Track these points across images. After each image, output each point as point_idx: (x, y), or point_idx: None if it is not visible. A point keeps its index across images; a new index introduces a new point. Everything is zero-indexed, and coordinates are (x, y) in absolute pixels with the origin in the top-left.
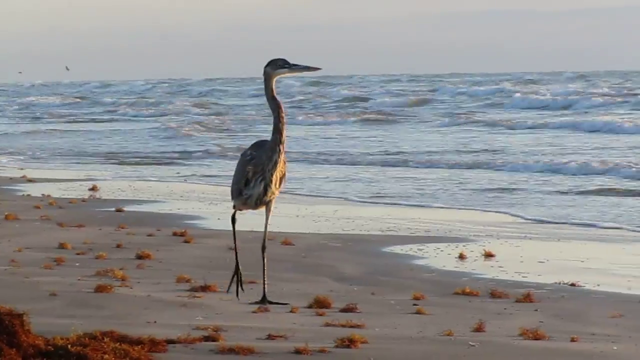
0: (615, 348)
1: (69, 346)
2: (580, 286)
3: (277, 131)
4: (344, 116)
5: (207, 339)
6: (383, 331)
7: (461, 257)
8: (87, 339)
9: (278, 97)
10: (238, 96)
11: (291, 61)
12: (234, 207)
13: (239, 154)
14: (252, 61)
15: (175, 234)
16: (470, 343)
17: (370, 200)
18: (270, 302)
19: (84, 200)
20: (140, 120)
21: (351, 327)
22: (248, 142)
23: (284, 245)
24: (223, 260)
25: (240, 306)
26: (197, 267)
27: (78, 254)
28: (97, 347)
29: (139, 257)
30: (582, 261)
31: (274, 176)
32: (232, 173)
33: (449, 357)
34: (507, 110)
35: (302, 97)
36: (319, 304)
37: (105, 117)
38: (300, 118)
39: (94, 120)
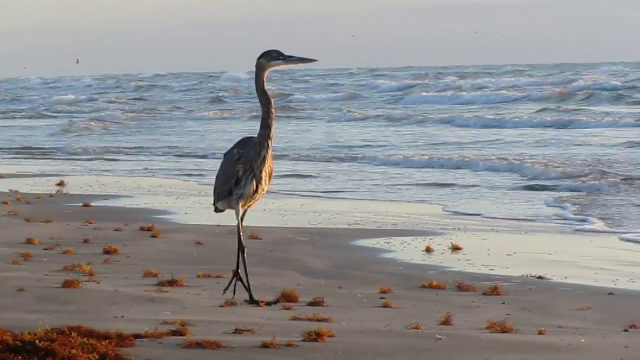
0: (582, 340)
1: (37, 341)
2: (548, 279)
3: (266, 126)
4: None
5: (174, 333)
6: (350, 325)
7: (428, 250)
8: (54, 334)
9: (268, 91)
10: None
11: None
12: (216, 209)
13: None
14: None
15: (142, 229)
16: (437, 336)
17: (327, 196)
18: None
19: (51, 195)
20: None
21: (318, 320)
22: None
23: (251, 239)
24: (190, 254)
25: (208, 300)
26: (165, 262)
27: (45, 249)
28: (65, 342)
29: (107, 252)
30: (550, 254)
31: (264, 172)
32: None
33: (416, 350)
34: (403, 104)
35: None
36: (286, 298)
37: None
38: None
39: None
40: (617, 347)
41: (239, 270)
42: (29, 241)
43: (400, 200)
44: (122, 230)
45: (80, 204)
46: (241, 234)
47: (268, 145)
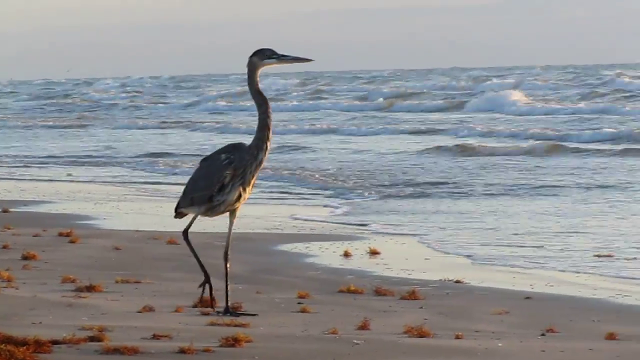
0: (499, 345)
1: None
2: (465, 283)
3: (265, 127)
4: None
5: (92, 339)
6: (268, 330)
7: (346, 255)
8: None
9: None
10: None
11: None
12: (178, 215)
13: None
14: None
15: (61, 234)
16: (355, 341)
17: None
18: (236, 314)
19: None
20: None
21: (236, 326)
22: None
23: (169, 245)
24: (109, 260)
25: (126, 306)
26: (83, 267)
27: None
28: None
29: (25, 257)
30: (467, 257)
31: (254, 178)
32: None
33: (334, 355)
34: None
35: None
36: (204, 304)
37: None
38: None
39: None
40: (534, 351)
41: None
42: None
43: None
44: (40, 235)
45: None
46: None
47: (267, 148)
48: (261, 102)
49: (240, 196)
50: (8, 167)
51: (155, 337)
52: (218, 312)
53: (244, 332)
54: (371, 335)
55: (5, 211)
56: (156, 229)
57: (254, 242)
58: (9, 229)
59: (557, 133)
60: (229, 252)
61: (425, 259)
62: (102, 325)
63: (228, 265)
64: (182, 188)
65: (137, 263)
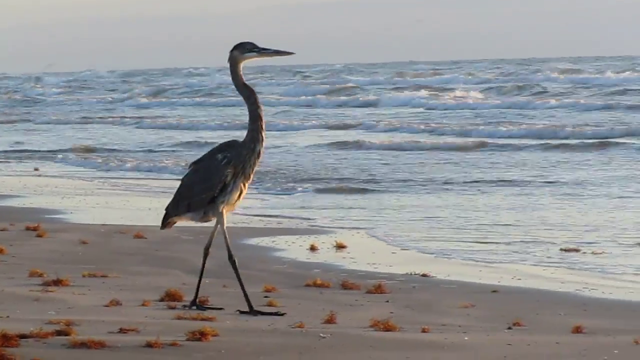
0: (466, 338)
1: None
2: (432, 277)
3: (257, 118)
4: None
5: (59, 333)
6: (234, 324)
7: (312, 248)
8: None
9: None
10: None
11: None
12: (167, 226)
13: None
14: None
15: (28, 229)
16: (321, 335)
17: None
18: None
19: None
20: None
21: (202, 320)
22: None
23: (136, 239)
24: (76, 254)
25: (93, 300)
26: (50, 262)
27: None
28: None
29: None
30: (433, 252)
31: (254, 171)
32: None
33: (300, 349)
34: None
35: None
36: (171, 297)
37: None
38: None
39: None
40: (500, 345)
41: (241, 281)
42: None
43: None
44: (7, 230)
45: None
46: (229, 242)
47: (262, 138)
48: (249, 94)
49: (241, 193)
50: None
51: (122, 331)
52: (184, 306)
53: (210, 326)
54: (338, 329)
55: None
56: (123, 222)
57: (219, 235)
58: None
59: (480, 128)
60: (209, 249)
61: (392, 252)
62: (70, 319)
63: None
64: (142, 182)
65: (104, 257)
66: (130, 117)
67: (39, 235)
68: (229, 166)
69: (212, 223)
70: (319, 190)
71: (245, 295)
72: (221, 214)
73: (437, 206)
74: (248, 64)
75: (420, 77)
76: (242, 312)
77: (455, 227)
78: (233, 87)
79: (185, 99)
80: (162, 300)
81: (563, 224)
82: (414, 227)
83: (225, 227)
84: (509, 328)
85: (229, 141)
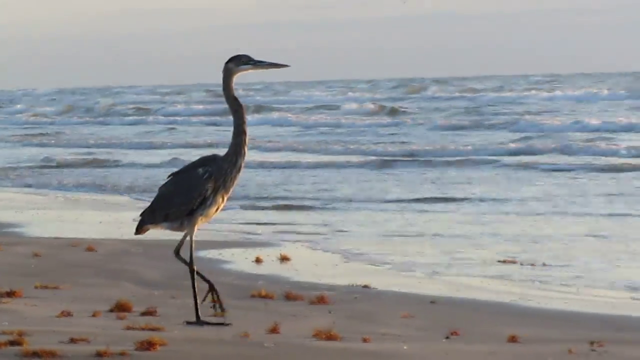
0: (405, 347)
1: None
2: (373, 288)
3: (242, 132)
4: None
5: (12, 343)
6: (182, 334)
7: (258, 260)
8: None
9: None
10: None
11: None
12: (141, 232)
13: None
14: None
15: None
16: (265, 344)
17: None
18: (208, 324)
19: None
20: None
21: (151, 330)
22: None
23: (87, 252)
24: (28, 266)
25: (45, 311)
26: (3, 274)
27: None
28: None
29: None
30: (374, 264)
31: (234, 185)
32: None
33: (245, 358)
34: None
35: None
36: (120, 308)
37: None
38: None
39: None
40: (438, 354)
41: (195, 288)
42: None
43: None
44: None
45: None
46: (193, 253)
47: (244, 152)
48: (237, 108)
49: (218, 206)
50: None
51: (73, 340)
52: (188, 323)
53: (159, 336)
54: (282, 338)
55: None
56: (75, 235)
57: (168, 248)
58: None
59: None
60: (193, 265)
61: (334, 265)
62: (22, 329)
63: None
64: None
65: (56, 269)
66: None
67: None
68: (209, 180)
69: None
70: (258, 207)
71: (196, 305)
72: (194, 223)
73: (376, 220)
74: (241, 76)
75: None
76: (188, 323)
77: (395, 240)
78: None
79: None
80: (112, 310)
81: (501, 236)
82: (356, 240)
83: (194, 237)
84: (447, 338)
85: (209, 155)
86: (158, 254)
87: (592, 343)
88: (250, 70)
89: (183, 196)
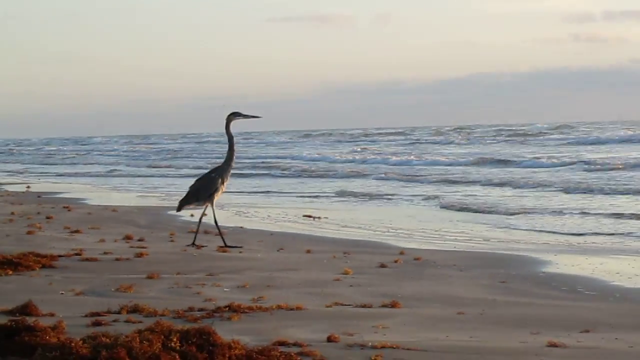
0: (259, 255)
1: None
2: (246, 228)
3: (233, 151)
4: None
5: (76, 254)
6: (157, 250)
7: (191, 215)
8: None
9: (232, 133)
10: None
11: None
12: (180, 210)
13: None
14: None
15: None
16: (194, 254)
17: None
18: (230, 246)
19: None
20: None
21: (141, 247)
22: None
23: (112, 212)
24: (86, 218)
25: (92, 239)
26: (74, 221)
27: None
28: None
29: None
30: (247, 216)
31: (228, 177)
32: None
33: (185, 260)
34: None
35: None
36: (127, 237)
37: None
38: None
39: None
40: (274, 257)
41: (219, 230)
42: None
43: None
44: None
45: None
46: (216, 215)
47: (234, 159)
48: (230, 137)
49: (222, 190)
50: None
51: (105, 253)
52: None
53: (146, 251)
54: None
55: None
56: (108, 204)
57: (152, 211)
58: None
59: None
60: (217, 222)
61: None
62: (81, 248)
63: (219, 225)
64: None
65: (98, 219)
66: None
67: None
68: (218, 179)
69: (203, 206)
70: None
71: (222, 237)
72: (213, 200)
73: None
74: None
75: None
76: (220, 247)
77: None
78: None
79: None
80: (123, 239)
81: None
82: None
83: (215, 207)
84: (278, 250)
85: (214, 167)
86: (146, 213)
87: (345, 253)
88: (240, 119)
89: (206, 188)
